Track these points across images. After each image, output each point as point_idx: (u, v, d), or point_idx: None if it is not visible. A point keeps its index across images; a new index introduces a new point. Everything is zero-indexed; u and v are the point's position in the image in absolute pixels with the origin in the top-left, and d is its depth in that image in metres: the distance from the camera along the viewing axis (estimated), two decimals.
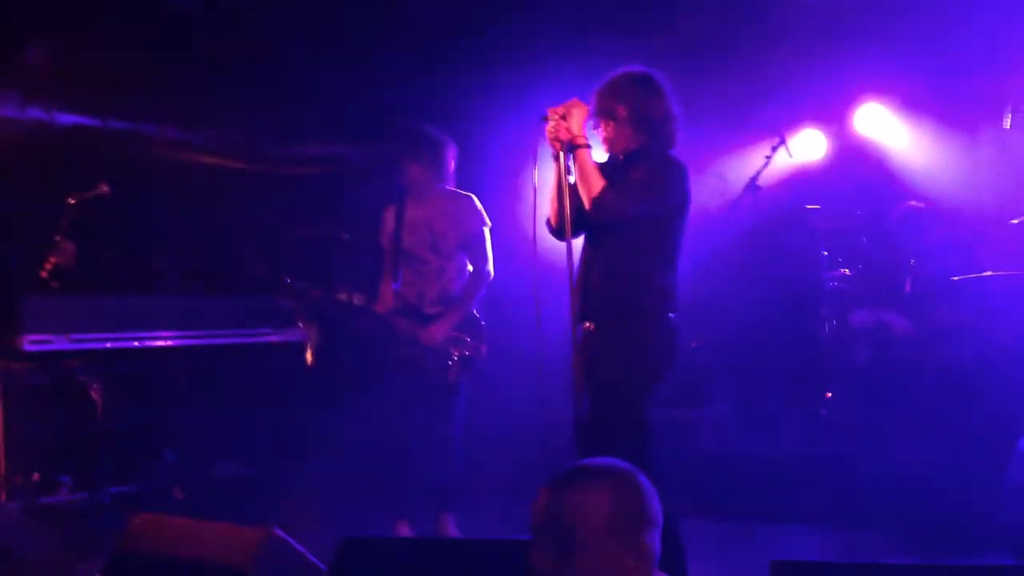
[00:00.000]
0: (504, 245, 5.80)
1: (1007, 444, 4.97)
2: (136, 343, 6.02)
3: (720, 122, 7.34)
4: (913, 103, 7.38)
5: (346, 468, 6.19)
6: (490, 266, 5.55)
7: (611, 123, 4.15)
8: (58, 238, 6.02)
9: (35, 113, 6.55)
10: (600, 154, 4.22)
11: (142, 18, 6.59)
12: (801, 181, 7.40)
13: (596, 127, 4.17)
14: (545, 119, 4.10)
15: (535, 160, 4.12)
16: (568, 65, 6.96)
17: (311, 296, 5.45)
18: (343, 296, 5.49)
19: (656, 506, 2.36)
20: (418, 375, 5.40)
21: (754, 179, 6.80)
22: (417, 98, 7.37)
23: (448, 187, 5.61)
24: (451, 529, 5.41)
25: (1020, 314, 6.05)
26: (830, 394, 6.41)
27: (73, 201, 6.07)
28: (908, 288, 6.46)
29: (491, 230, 5.59)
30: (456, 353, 5.40)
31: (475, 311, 5.53)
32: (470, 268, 5.57)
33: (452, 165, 5.59)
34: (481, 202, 5.59)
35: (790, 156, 6.82)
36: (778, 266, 7.17)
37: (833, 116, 7.59)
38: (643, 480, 2.38)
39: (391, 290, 5.54)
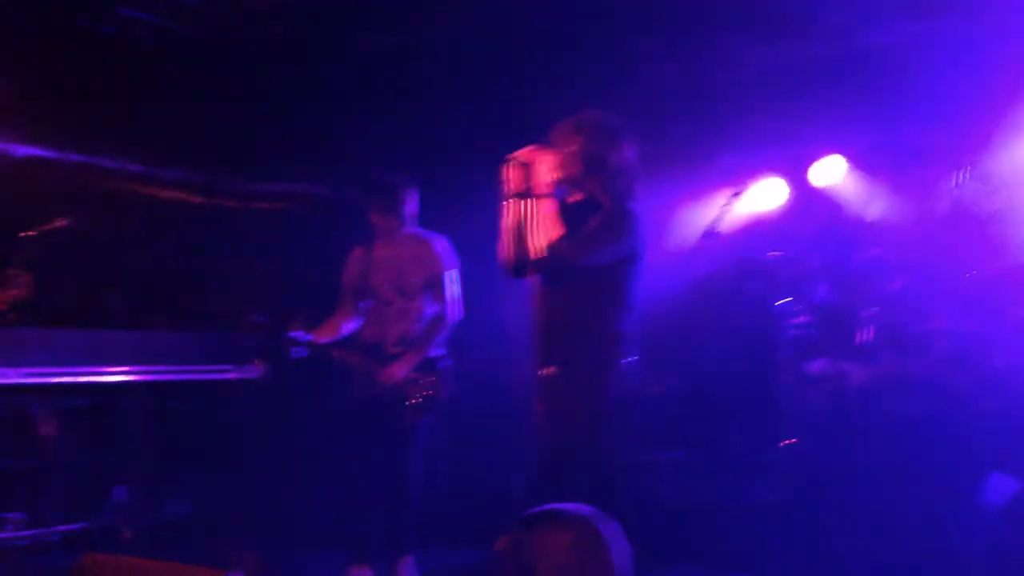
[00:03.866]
0: (475, 287, 5.79)
1: (965, 491, 5.01)
2: (90, 378, 5.91)
3: (679, 170, 7.42)
4: (870, 156, 7.51)
5: (303, 508, 6.11)
6: (454, 308, 5.54)
7: (567, 156, 4.19)
8: (13, 271, 5.94)
9: None
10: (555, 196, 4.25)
11: (103, 51, 6.56)
12: (760, 229, 7.48)
13: (553, 158, 4.18)
14: (509, 163, 4.13)
15: (503, 204, 4.15)
16: (531, 109, 7.03)
17: (272, 332, 5.41)
18: (302, 332, 5.45)
19: (620, 551, 2.34)
20: (377, 415, 5.36)
21: (712, 226, 6.84)
22: (379, 135, 7.38)
23: (414, 229, 5.60)
24: (410, 573, 5.34)
25: (972, 367, 6.14)
26: (788, 441, 6.43)
27: (30, 234, 5.99)
28: (865, 338, 6.53)
29: (459, 272, 5.58)
30: (415, 394, 5.37)
31: (438, 353, 5.50)
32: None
33: (411, 208, 5.60)
34: (450, 242, 5.60)
35: (748, 205, 6.87)
36: (736, 313, 7.22)
37: (793, 166, 7.69)
38: (606, 524, 2.36)
39: (338, 325, 5.52)
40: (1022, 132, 6.97)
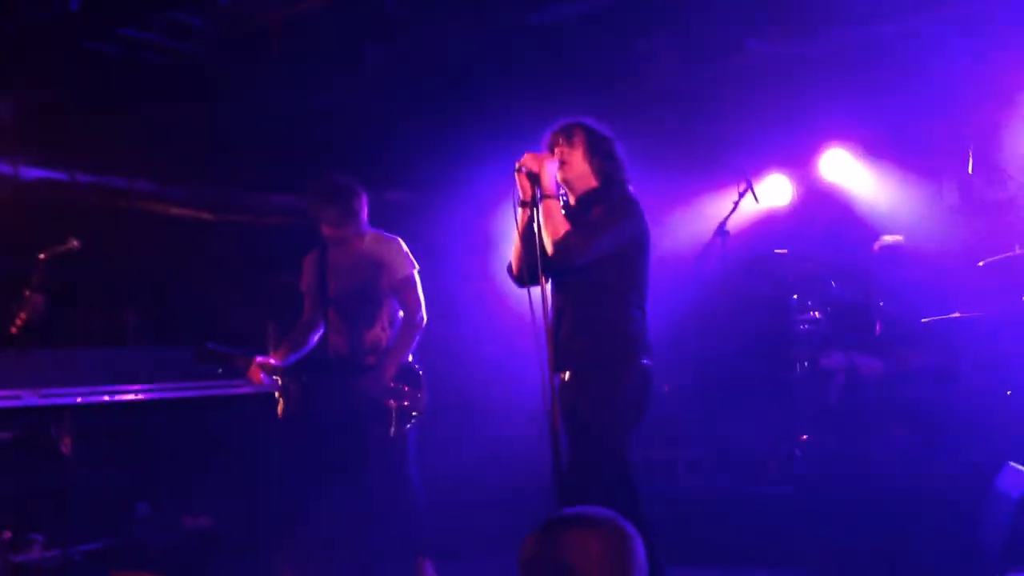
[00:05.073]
0: (473, 294, 5.76)
1: (980, 483, 5.00)
2: (107, 397, 5.94)
3: (686, 169, 7.43)
4: (876, 148, 7.51)
5: (316, 521, 6.11)
6: (423, 311, 5.30)
7: (567, 157, 4.26)
8: (28, 293, 5.94)
9: (1, 168, 6.49)
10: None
11: (108, 71, 6.59)
12: (769, 226, 7.48)
13: (555, 161, 4.22)
14: (518, 170, 4.16)
15: (513, 210, 4.17)
16: (532, 115, 7.04)
17: (234, 361, 5.19)
18: (265, 357, 5.23)
19: (642, 552, 2.36)
20: (359, 430, 5.17)
21: (722, 225, 6.85)
22: (378, 148, 7.36)
23: (371, 229, 5.39)
24: (430, 574, 5.28)
25: (987, 355, 6.14)
26: (805, 436, 6.43)
27: (43, 256, 6.01)
28: (878, 330, 6.52)
29: (421, 273, 5.36)
30: (395, 405, 5.20)
31: (411, 358, 5.29)
32: (401, 315, 5.34)
33: (364, 212, 5.35)
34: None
35: (757, 201, 6.87)
36: (748, 310, 7.22)
37: (798, 161, 7.70)
38: (628, 526, 2.37)
39: (304, 338, 5.37)
40: None
